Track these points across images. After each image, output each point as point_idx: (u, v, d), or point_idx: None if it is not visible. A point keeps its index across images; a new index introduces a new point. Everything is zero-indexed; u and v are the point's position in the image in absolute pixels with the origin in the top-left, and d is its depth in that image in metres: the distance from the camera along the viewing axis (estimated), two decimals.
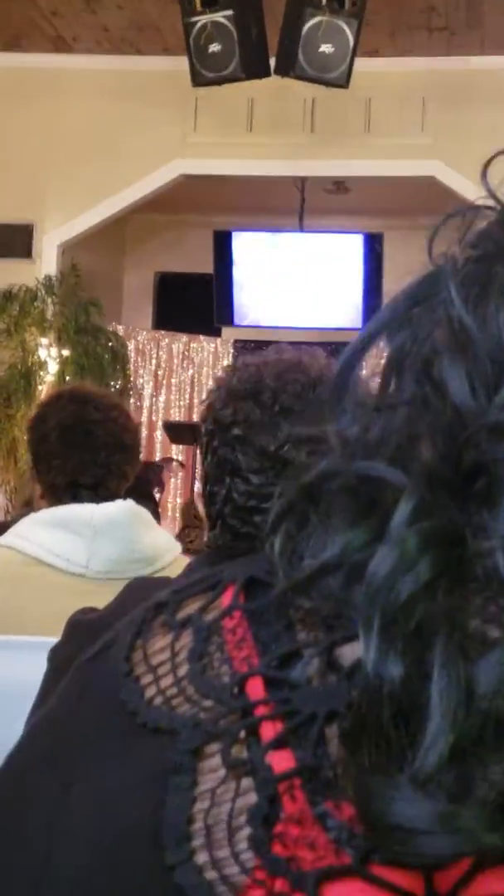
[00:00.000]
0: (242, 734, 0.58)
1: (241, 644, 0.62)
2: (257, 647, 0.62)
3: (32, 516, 2.13)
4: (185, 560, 2.21)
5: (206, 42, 7.16)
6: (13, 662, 1.95)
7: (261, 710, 0.59)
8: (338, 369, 0.63)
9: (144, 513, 2.14)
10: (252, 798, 0.57)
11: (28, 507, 3.68)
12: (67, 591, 2.02)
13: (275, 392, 1.25)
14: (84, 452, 2.19)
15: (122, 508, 2.08)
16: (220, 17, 7.10)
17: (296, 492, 0.60)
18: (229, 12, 7.06)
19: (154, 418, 10.07)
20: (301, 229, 9.77)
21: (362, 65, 7.29)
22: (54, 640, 1.88)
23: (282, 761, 0.57)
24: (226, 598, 0.66)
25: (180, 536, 5.33)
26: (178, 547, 2.23)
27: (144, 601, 1.25)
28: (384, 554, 0.54)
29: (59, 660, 1.32)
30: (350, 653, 0.58)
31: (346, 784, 0.55)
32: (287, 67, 7.18)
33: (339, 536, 0.57)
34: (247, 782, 0.57)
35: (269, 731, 0.58)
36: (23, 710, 1.77)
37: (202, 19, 7.13)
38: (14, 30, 8.29)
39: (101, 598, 1.62)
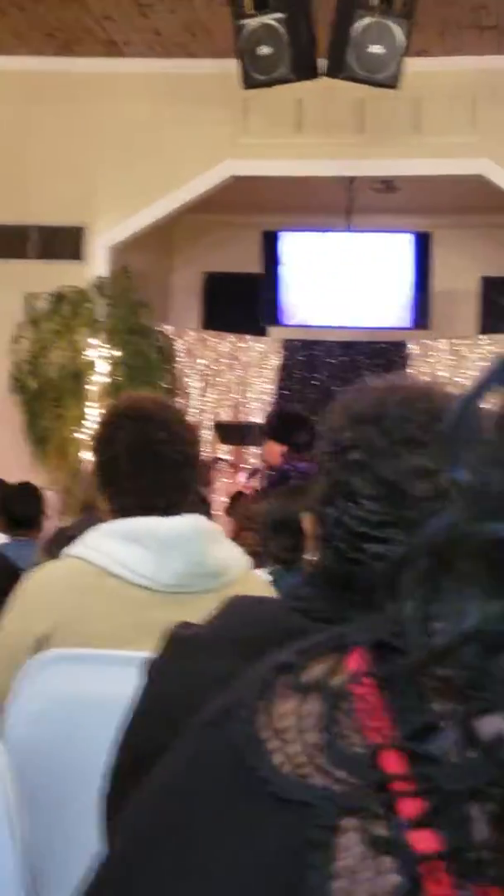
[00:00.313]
0: (381, 810, 0.56)
1: (373, 713, 0.60)
2: (390, 717, 0.59)
3: (101, 527, 2.15)
4: (256, 574, 2.22)
5: (257, 44, 7.18)
6: (82, 675, 1.98)
7: (399, 786, 0.57)
8: (452, 417, 0.61)
9: (213, 527, 2.16)
10: (394, 878, 0.55)
11: (87, 510, 3.72)
12: (135, 603, 2.04)
13: (399, 420, 1.23)
14: (156, 473, 2.20)
15: (191, 523, 2.10)
16: (271, 19, 7.11)
17: (425, 553, 0.59)
18: (280, 14, 7.07)
19: (201, 417, 10.10)
20: (349, 228, 9.77)
21: (412, 64, 7.28)
22: (123, 653, 1.90)
23: (424, 841, 0.55)
24: (353, 662, 0.63)
25: (234, 538, 5.33)
26: (246, 561, 2.23)
27: (245, 622, 1.28)
28: None
29: (159, 671, 1.33)
30: (489, 726, 0.56)
31: (495, 868, 0.53)
32: (337, 69, 7.19)
33: (475, 606, 0.55)
34: (387, 861, 0.55)
35: (408, 807, 0.56)
36: (91, 722, 1.80)
37: (252, 22, 7.15)
38: (67, 34, 8.35)
39: (168, 611, 1.65)
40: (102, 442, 2.28)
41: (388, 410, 1.26)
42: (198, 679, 1.18)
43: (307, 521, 1.33)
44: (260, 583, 2.26)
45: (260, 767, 0.60)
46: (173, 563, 2.07)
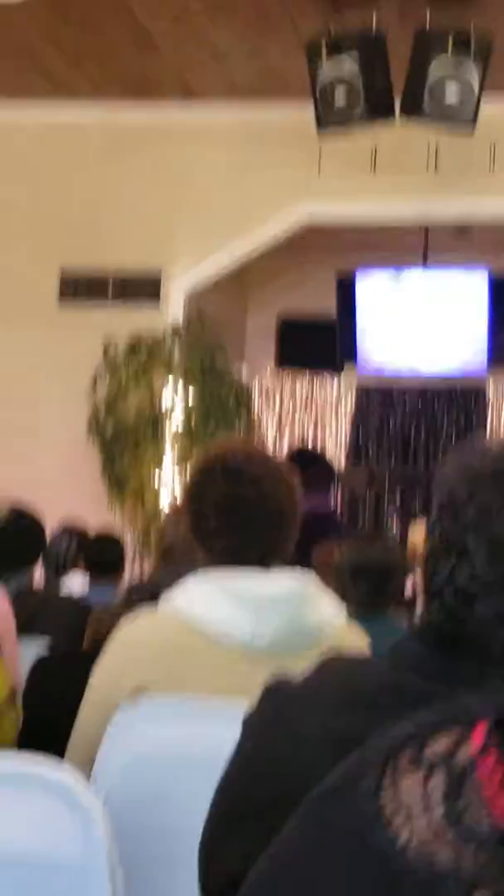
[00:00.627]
0: None
1: (501, 789, 0.60)
2: None
3: (199, 581, 2.12)
4: (350, 629, 2.18)
5: (332, 90, 7.24)
6: (174, 727, 1.97)
7: None
8: None
9: (311, 586, 2.11)
10: None
11: (167, 556, 3.72)
12: (230, 663, 2.00)
13: None
14: (244, 532, 2.15)
15: (289, 585, 2.05)
16: (346, 64, 7.17)
17: None
18: (355, 60, 7.13)
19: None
20: (424, 268, 9.76)
21: (487, 107, 7.29)
22: (217, 704, 1.89)
23: None
24: (477, 737, 0.63)
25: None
26: (342, 616, 2.19)
27: (344, 679, 1.27)
28: None
29: (257, 727, 1.33)
30: None
31: None
32: (412, 112, 7.22)
33: None
34: None
35: None
36: (183, 776, 1.80)
37: (328, 67, 7.21)
38: (143, 81, 8.48)
39: (264, 672, 1.63)
40: (192, 495, 2.24)
41: None
42: (296, 736, 1.18)
43: (418, 576, 1.32)
44: (357, 638, 2.21)
45: (386, 843, 0.60)
46: (271, 625, 2.02)
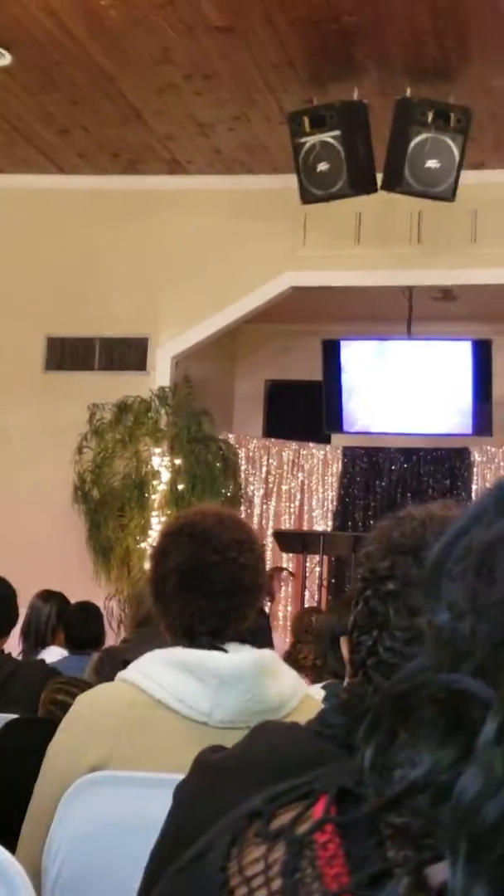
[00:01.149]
0: None
1: (333, 861, 0.62)
2: (348, 865, 0.61)
3: (158, 654, 2.10)
4: (311, 699, 2.18)
5: (315, 161, 7.35)
6: (133, 797, 1.97)
7: None
8: (430, 562, 0.63)
9: (271, 660, 2.08)
10: None
11: (144, 625, 3.73)
12: (188, 738, 1.99)
13: None
14: (201, 599, 2.15)
15: (249, 661, 2.04)
16: (328, 136, 7.29)
17: (386, 702, 0.61)
18: (337, 132, 7.25)
19: (264, 525, 10.13)
20: (409, 336, 9.85)
21: (468, 177, 7.42)
22: (174, 776, 1.90)
23: None
24: (318, 810, 0.65)
25: (291, 652, 5.32)
26: (303, 688, 2.17)
27: (271, 749, 1.29)
28: (470, 777, 0.53)
29: (185, 796, 1.35)
30: (439, 873, 0.57)
31: None
32: (394, 183, 7.33)
33: (426, 754, 0.57)
34: None
35: None
36: (136, 845, 1.81)
37: (311, 139, 7.33)
38: (132, 154, 8.62)
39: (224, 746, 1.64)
40: (157, 556, 2.23)
41: (427, 541, 1.25)
42: (218, 806, 1.20)
43: (343, 645, 1.34)
44: (315, 708, 2.22)
45: None
46: (230, 700, 2.02)
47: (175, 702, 2.03)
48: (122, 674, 2.14)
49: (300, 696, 2.12)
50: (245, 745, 1.33)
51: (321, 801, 0.66)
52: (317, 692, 3.33)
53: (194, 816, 1.26)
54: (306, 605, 8.50)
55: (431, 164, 7.24)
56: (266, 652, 2.13)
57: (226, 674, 2.03)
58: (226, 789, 1.23)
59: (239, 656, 2.07)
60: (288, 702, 2.08)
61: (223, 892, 0.64)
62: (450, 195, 7.28)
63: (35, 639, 5.24)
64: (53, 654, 4.95)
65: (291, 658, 5.14)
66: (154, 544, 2.32)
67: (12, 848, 2.19)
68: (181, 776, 1.57)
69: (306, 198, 7.50)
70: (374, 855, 0.61)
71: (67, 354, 9.15)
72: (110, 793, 1.98)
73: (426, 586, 0.61)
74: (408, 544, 1.25)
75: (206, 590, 2.16)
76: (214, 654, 2.07)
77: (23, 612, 5.40)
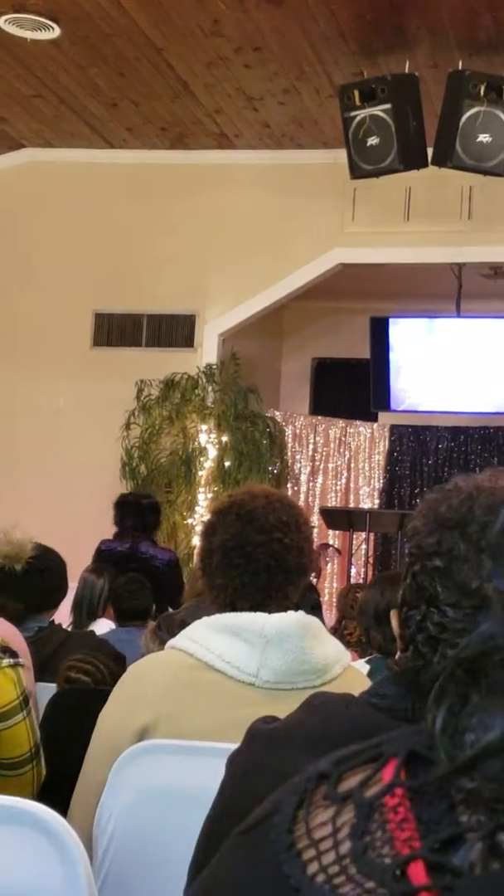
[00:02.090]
0: None
1: (403, 824, 0.61)
2: (419, 829, 0.60)
3: (205, 620, 2.15)
4: (355, 670, 2.19)
5: (365, 135, 7.27)
6: (183, 766, 1.98)
7: None
8: (497, 530, 0.63)
9: (315, 624, 2.14)
10: None
11: (198, 598, 3.72)
12: (236, 699, 2.03)
13: (483, 526, 1.20)
14: (244, 576, 2.20)
15: (293, 620, 2.09)
16: (379, 110, 7.21)
17: (456, 665, 0.59)
18: (388, 106, 7.17)
19: (311, 502, 10.11)
20: (458, 314, 9.77)
21: None
22: (216, 745, 1.90)
23: None
24: (387, 773, 0.64)
25: (337, 628, 5.30)
26: (347, 657, 2.21)
27: (323, 719, 1.27)
28: None
29: (239, 766, 1.33)
30: None
31: None
32: (445, 158, 7.24)
33: (500, 718, 0.56)
34: None
35: None
36: (184, 813, 1.80)
37: (361, 113, 7.25)
38: (180, 128, 8.58)
39: (269, 708, 1.64)
40: (206, 533, 2.30)
41: (474, 515, 1.23)
42: (273, 775, 1.18)
43: (394, 619, 1.31)
44: (359, 679, 2.23)
45: (293, 876, 0.62)
46: (275, 660, 2.06)
47: (222, 663, 2.07)
48: (171, 641, 2.19)
49: (344, 664, 2.17)
50: (299, 715, 1.32)
51: (390, 764, 0.65)
52: (361, 667, 3.33)
53: (249, 786, 1.25)
54: (352, 582, 8.48)
55: (483, 138, 7.14)
56: (309, 616, 2.16)
57: (271, 633, 2.07)
58: (281, 759, 1.22)
59: (284, 617, 2.12)
60: (332, 667, 2.12)
61: (290, 854, 0.64)
62: (502, 170, 7.18)
63: (87, 612, 5.26)
64: (102, 627, 4.96)
65: (337, 634, 5.12)
66: (205, 520, 2.37)
67: (65, 814, 2.20)
68: (231, 746, 1.56)
69: (356, 173, 7.42)
70: (445, 819, 0.60)
71: (115, 330, 9.15)
72: (159, 762, 1.99)
73: (493, 552, 0.60)
74: (454, 519, 1.23)
75: (248, 567, 2.21)
76: (259, 615, 2.11)
77: (73, 586, 5.45)
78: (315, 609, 4.28)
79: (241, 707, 1.99)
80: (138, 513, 6.77)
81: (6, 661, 2.24)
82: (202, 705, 2.06)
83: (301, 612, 2.13)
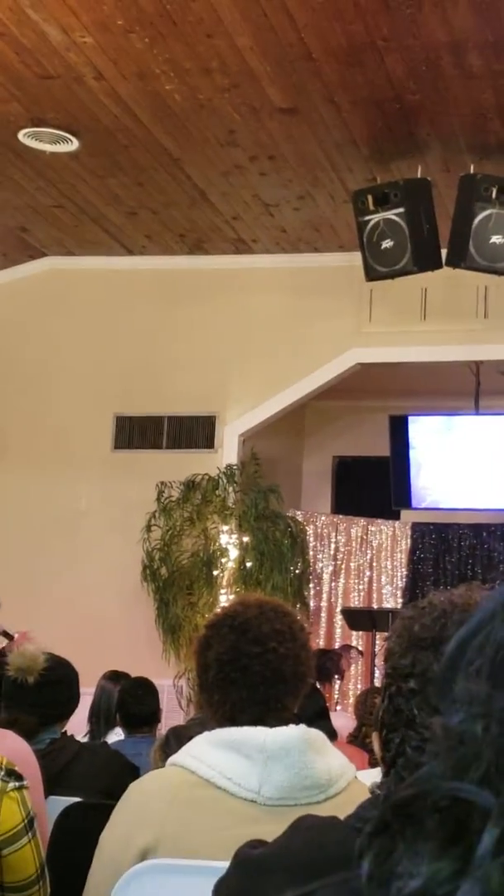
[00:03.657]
0: None
1: None
2: None
3: (206, 735, 2.12)
4: (361, 784, 2.15)
5: (379, 239, 7.37)
6: (184, 886, 1.95)
7: None
8: (443, 662, 0.61)
9: (317, 737, 2.09)
10: None
11: (204, 709, 3.70)
12: (238, 816, 2.00)
13: None
14: (241, 690, 2.16)
15: (294, 734, 2.04)
16: (393, 214, 7.31)
17: (388, 810, 0.58)
18: (401, 210, 7.27)
19: (333, 602, 10.05)
20: (476, 412, 9.80)
21: None
22: (218, 864, 1.87)
23: None
24: None
25: (357, 735, 5.22)
26: (351, 771, 2.16)
27: (309, 845, 1.26)
28: (467, 891, 0.52)
29: (224, 894, 1.32)
30: None
31: None
32: (459, 259, 7.31)
33: (424, 867, 0.55)
34: None
35: None
36: None
37: (375, 217, 7.35)
38: (198, 234, 8.73)
39: (272, 826, 1.61)
40: (200, 648, 2.26)
41: (447, 634, 1.22)
42: None
43: (375, 742, 1.30)
44: (365, 794, 2.19)
45: None
46: (277, 776, 2.02)
47: (223, 780, 2.03)
48: (172, 758, 2.16)
49: (348, 778, 2.11)
50: (284, 840, 1.30)
51: None
52: (377, 776, 3.26)
53: None
54: (375, 685, 8.39)
55: (496, 239, 7.22)
56: (312, 729, 2.12)
57: (272, 748, 2.03)
58: (264, 887, 1.20)
59: (284, 730, 2.08)
60: (336, 781, 2.07)
61: None
62: None
63: (104, 720, 5.22)
64: (119, 735, 4.92)
65: (358, 741, 5.04)
66: (198, 636, 2.34)
67: None
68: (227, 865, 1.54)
69: (371, 275, 7.51)
70: None
71: (136, 433, 9.22)
72: (160, 882, 1.96)
73: (439, 686, 0.59)
74: (428, 638, 1.22)
75: (245, 681, 2.17)
76: (260, 730, 2.08)
77: (91, 691, 5.41)
78: (321, 716, 4.21)
79: (243, 825, 1.95)
80: None
81: (11, 785, 2.23)
82: (204, 823, 2.03)
83: (303, 726, 2.09)
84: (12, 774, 2.23)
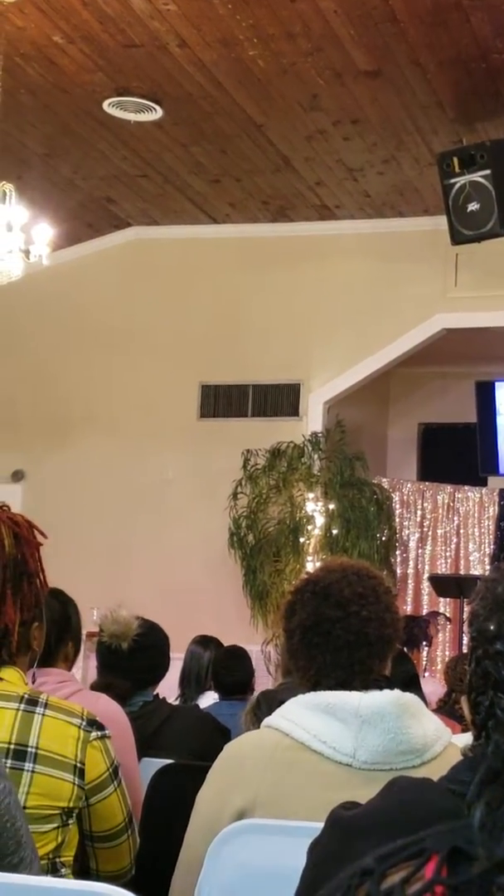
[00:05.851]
0: None
1: None
2: None
3: (300, 698, 2.11)
4: (455, 750, 2.14)
5: (465, 201, 7.28)
6: (279, 846, 1.95)
7: None
8: None
9: (413, 701, 2.07)
10: None
11: (290, 674, 3.71)
12: (333, 780, 1.98)
13: None
14: (325, 654, 2.15)
15: (390, 699, 2.03)
16: (479, 176, 7.22)
17: (499, 759, 0.59)
18: (487, 172, 7.17)
19: (420, 569, 10.01)
20: None
21: None
22: (314, 824, 1.88)
23: None
24: (429, 870, 0.65)
25: (447, 700, 5.20)
26: (447, 735, 2.13)
27: (404, 806, 1.25)
28: None
29: (318, 855, 1.31)
30: None
31: None
32: None
33: None
34: None
35: None
36: (287, 892, 1.78)
37: (461, 180, 7.26)
38: (281, 201, 8.70)
39: (367, 790, 1.60)
40: (285, 614, 2.25)
41: None
42: (348, 864, 1.17)
43: (464, 705, 1.28)
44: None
45: None
46: (371, 741, 2.00)
47: (318, 743, 2.02)
48: (266, 720, 2.15)
49: (444, 743, 2.08)
50: (377, 801, 1.29)
51: (432, 860, 0.65)
52: (469, 740, 3.24)
53: (327, 876, 1.23)
54: (464, 651, 8.35)
55: None
56: (407, 693, 2.10)
57: (367, 713, 2.02)
58: (359, 848, 1.20)
59: (379, 695, 2.05)
60: (431, 746, 2.05)
61: None
62: None
63: (195, 684, 5.27)
64: (208, 699, 4.96)
65: (447, 707, 5.02)
66: (284, 601, 2.33)
67: (166, 892, 2.20)
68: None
69: (457, 238, 7.42)
70: None
71: (221, 401, 9.25)
72: (256, 842, 1.96)
73: None
74: None
75: (328, 645, 2.16)
76: (354, 694, 2.06)
77: (181, 657, 5.46)
78: (412, 682, 4.19)
79: (338, 788, 1.94)
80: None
81: (94, 734, 2.25)
82: (300, 786, 2.02)
83: (397, 691, 2.07)
84: (94, 724, 2.25)
